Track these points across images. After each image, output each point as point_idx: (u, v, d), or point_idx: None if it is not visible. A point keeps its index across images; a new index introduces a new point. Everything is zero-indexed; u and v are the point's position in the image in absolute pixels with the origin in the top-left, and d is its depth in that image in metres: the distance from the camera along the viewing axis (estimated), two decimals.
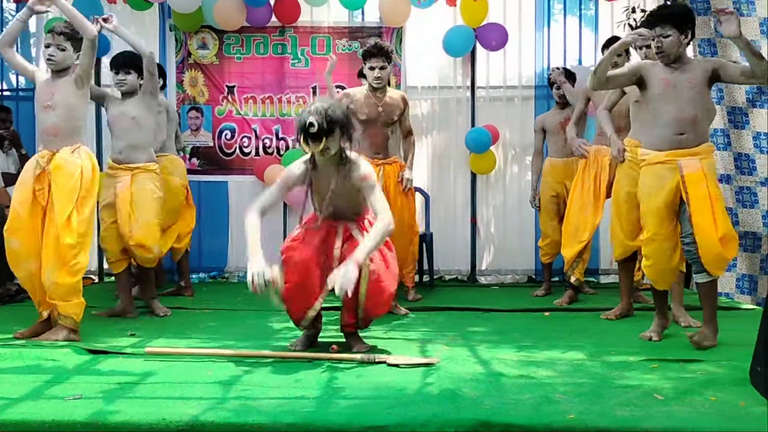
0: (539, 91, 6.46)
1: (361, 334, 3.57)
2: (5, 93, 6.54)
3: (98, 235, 4.99)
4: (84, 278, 3.93)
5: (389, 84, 4.74)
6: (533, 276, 6.52)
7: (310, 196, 3.51)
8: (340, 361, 3.25)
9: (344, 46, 6.51)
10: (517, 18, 6.46)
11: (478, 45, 6.34)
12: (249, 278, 3.18)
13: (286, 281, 3.37)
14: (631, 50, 4.78)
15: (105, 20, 4.20)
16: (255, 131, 6.54)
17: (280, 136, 6.54)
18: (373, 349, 3.47)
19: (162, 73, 5.27)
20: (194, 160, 6.53)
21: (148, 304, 4.67)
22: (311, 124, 3.20)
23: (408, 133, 4.98)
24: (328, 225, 3.50)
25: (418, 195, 6.13)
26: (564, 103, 5.46)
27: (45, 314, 3.85)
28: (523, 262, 6.57)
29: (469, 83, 6.54)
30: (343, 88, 5.84)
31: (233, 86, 6.54)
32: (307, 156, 3.43)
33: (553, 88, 5.51)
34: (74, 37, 3.86)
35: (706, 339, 3.55)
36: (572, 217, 5.00)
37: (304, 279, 3.36)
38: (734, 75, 3.59)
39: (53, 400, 2.63)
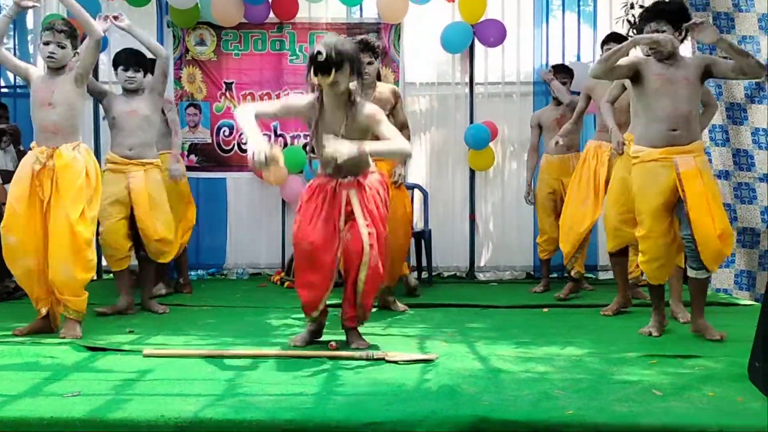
0: (538, 88, 6.45)
1: (359, 331, 3.57)
2: (2, 90, 6.52)
3: (96, 232, 4.97)
4: None
5: (379, 79, 4.70)
6: (532, 272, 6.52)
7: (315, 141, 3.43)
8: (339, 358, 3.25)
9: None
10: (515, 14, 6.45)
11: (476, 41, 6.32)
12: (249, 155, 3.12)
13: (297, 267, 3.42)
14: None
15: (116, 18, 4.18)
16: None
17: (278, 132, 6.52)
18: (372, 347, 3.47)
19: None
20: (192, 157, 6.52)
21: (146, 304, 4.63)
22: (319, 53, 3.16)
23: (402, 127, 4.91)
24: (331, 192, 3.40)
25: (416, 192, 6.14)
26: (560, 100, 5.47)
27: (44, 311, 3.84)
28: (521, 258, 6.57)
29: (467, 79, 6.53)
30: None
31: (231, 83, 6.52)
32: (315, 94, 3.37)
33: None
34: (74, 34, 3.86)
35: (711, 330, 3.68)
36: (569, 211, 5.01)
37: (315, 266, 3.37)
38: (726, 71, 3.61)
39: (52, 397, 2.63)
